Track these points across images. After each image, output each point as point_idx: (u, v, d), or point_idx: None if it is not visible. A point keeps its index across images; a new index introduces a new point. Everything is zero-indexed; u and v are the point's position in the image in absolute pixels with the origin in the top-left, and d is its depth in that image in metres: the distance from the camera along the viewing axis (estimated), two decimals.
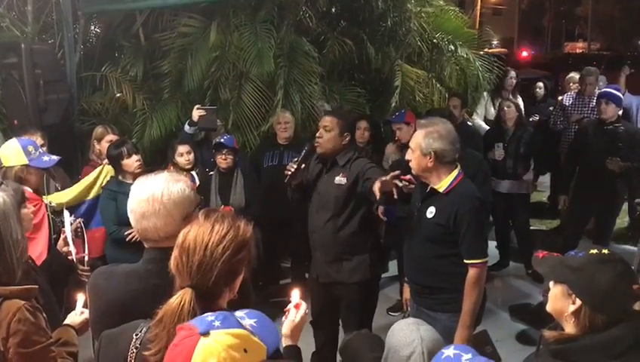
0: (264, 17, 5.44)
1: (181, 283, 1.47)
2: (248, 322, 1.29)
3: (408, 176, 3.38)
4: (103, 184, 3.91)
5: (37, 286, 1.90)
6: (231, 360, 1.16)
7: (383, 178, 2.83)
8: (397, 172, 2.85)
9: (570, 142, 5.77)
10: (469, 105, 6.28)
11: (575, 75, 6.88)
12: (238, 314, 1.33)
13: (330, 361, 3.68)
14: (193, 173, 4.19)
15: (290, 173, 3.32)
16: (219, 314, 1.26)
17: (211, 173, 4.31)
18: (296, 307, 1.84)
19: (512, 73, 6.51)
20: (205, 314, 1.27)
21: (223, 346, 1.16)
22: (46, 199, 3.18)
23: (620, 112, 4.93)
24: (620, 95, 4.94)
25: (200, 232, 1.48)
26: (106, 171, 3.97)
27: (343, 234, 3.29)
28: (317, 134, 3.34)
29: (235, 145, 4.35)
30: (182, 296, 1.41)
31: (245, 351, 1.19)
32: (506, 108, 5.19)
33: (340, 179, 3.27)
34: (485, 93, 6.60)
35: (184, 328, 1.23)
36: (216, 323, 1.21)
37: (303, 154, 3.37)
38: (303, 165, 3.38)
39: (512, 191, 5.24)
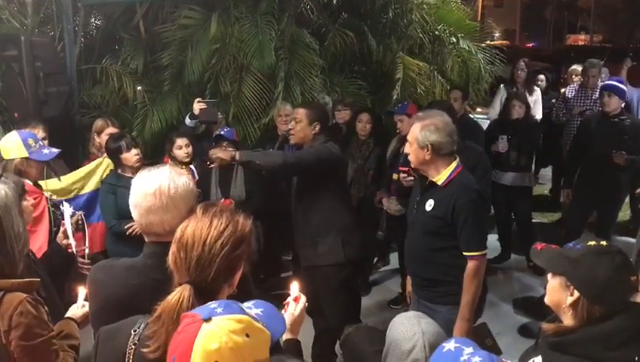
0: (265, 9, 5.41)
1: (179, 279, 1.46)
2: (254, 311, 1.30)
3: (407, 168, 3.41)
4: (104, 177, 3.91)
5: (39, 279, 1.91)
6: (233, 344, 1.17)
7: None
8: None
9: (572, 135, 5.75)
10: (470, 97, 6.25)
11: (577, 68, 6.85)
12: (245, 304, 1.33)
13: (329, 352, 3.70)
14: (192, 166, 4.17)
15: None
16: (222, 301, 1.27)
17: (212, 166, 4.30)
18: (296, 300, 1.84)
19: (522, 64, 6.44)
20: (209, 303, 1.28)
21: (224, 331, 1.17)
22: (45, 188, 3.17)
23: (623, 105, 4.90)
24: (624, 87, 4.92)
25: (198, 227, 1.47)
26: (106, 164, 3.96)
27: (312, 215, 3.41)
28: (289, 126, 3.53)
29: (236, 138, 4.35)
30: (180, 293, 1.41)
31: (247, 335, 1.20)
32: (518, 107, 5.17)
33: None
34: (502, 86, 6.55)
35: (188, 316, 1.25)
36: (219, 310, 1.22)
37: (278, 143, 3.53)
38: None
39: (516, 184, 5.24)
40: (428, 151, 2.74)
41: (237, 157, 3.27)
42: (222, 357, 1.16)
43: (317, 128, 3.40)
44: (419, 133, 2.76)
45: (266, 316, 1.30)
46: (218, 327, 1.18)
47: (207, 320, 1.19)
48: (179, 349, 1.19)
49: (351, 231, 3.47)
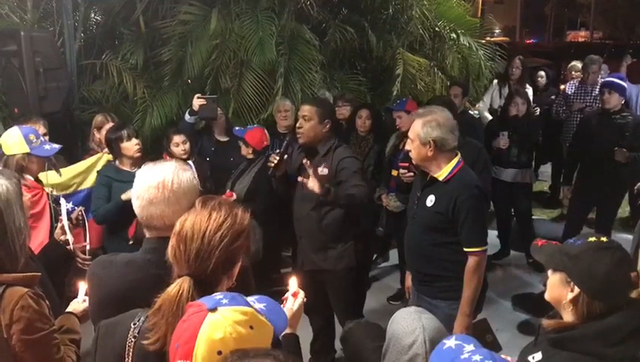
0: (265, 5, 5.42)
1: (179, 271, 1.47)
2: (258, 306, 1.31)
3: (407, 164, 3.39)
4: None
5: (40, 274, 1.91)
6: (237, 334, 1.18)
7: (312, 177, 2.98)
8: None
9: (572, 131, 5.76)
10: (470, 93, 6.25)
11: (577, 64, 6.85)
12: (249, 298, 1.34)
13: (329, 348, 3.71)
14: (190, 162, 4.16)
15: (272, 164, 3.35)
16: (227, 293, 1.28)
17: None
18: (294, 295, 1.84)
19: (517, 62, 6.45)
20: (214, 294, 1.29)
21: (229, 321, 1.19)
22: (46, 183, 3.17)
23: (623, 101, 4.90)
24: (624, 84, 4.92)
25: (197, 220, 1.48)
26: (106, 159, 3.96)
27: (327, 223, 3.31)
28: (297, 124, 3.35)
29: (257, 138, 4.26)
30: (180, 285, 1.42)
31: (251, 327, 1.21)
32: (520, 104, 5.15)
33: (323, 170, 3.26)
34: (495, 82, 6.54)
35: (193, 305, 1.26)
36: (225, 301, 1.24)
37: (284, 145, 3.42)
38: (285, 156, 3.42)
39: (516, 180, 5.24)
40: (430, 147, 2.73)
41: (330, 193, 3.04)
42: (225, 346, 1.17)
43: (327, 126, 3.29)
44: (421, 130, 2.75)
45: (269, 311, 1.31)
46: (223, 317, 1.20)
47: (213, 310, 1.21)
48: (183, 337, 1.21)
49: (362, 236, 3.46)
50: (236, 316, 1.21)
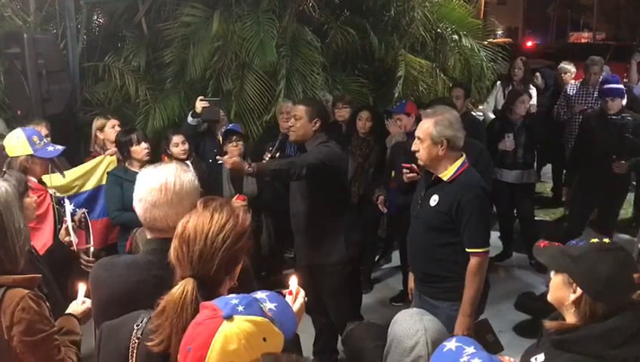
0: (266, 7, 5.43)
1: (182, 273, 1.47)
2: (269, 306, 1.31)
3: (410, 165, 3.39)
4: (110, 170, 3.92)
5: (40, 275, 1.91)
6: (250, 347, 1.19)
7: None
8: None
9: (574, 133, 5.75)
10: (472, 95, 6.25)
11: (565, 65, 6.78)
12: (260, 295, 1.34)
13: (331, 348, 3.72)
14: (188, 162, 4.17)
15: (266, 160, 3.43)
16: (243, 297, 1.28)
17: (220, 161, 4.31)
18: (291, 293, 1.83)
19: (519, 63, 6.43)
20: (229, 296, 1.29)
21: (244, 333, 1.20)
22: (50, 185, 3.18)
23: (624, 102, 4.90)
24: (622, 86, 4.92)
25: (200, 222, 1.48)
26: (108, 162, 3.98)
27: (317, 217, 3.38)
28: (289, 123, 3.48)
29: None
30: (184, 286, 1.42)
31: (264, 339, 1.22)
32: (525, 103, 5.13)
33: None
34: (499, 83, 6.54)
35: (207, 307, 1.26)
36: (240, 308, 1.24)
37: (277, 142, 3.56)
38: (278, 153, 3.53)
39: (519, 181, 5.24)
40: (442, 146, 2.73)
41: (248, 170, 3.12)
42: (238, 357, 1.18)
43: (317, 125, 3.36)
44: (433, 129, 2.74)
45: (280, 312, 1.32)
46: (238, 329, 1.20)
47: (229, 318, 1.21)
48: (196, 341, 1.21)
49: (352, 230, 3.48)
50: (251, 328, 1.21)
